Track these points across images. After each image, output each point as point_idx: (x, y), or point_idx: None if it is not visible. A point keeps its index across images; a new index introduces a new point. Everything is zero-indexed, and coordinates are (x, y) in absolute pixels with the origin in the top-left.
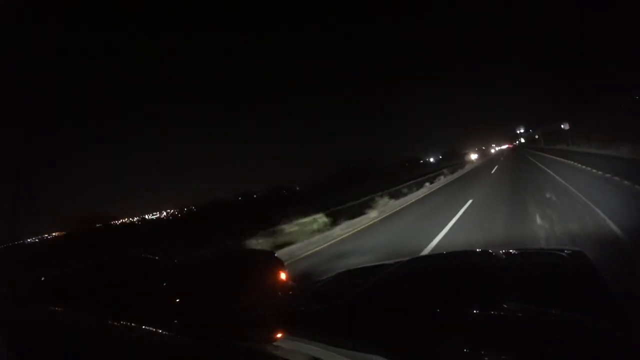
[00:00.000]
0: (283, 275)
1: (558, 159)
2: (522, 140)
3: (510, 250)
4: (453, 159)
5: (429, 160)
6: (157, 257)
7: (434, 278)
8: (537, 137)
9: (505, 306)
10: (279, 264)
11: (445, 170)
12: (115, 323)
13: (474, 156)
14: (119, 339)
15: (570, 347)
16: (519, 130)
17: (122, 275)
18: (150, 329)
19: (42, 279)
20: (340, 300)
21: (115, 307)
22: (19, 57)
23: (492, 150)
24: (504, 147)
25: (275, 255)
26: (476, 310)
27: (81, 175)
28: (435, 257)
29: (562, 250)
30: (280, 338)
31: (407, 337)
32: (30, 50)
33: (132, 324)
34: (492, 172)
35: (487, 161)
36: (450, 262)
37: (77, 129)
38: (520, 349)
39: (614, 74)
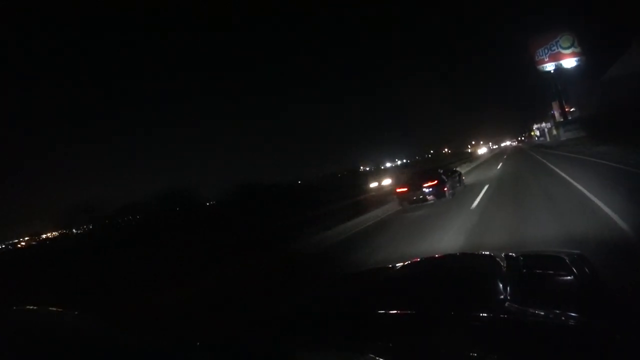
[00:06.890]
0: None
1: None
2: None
3: (511, 253)
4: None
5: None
6: None
7: (435, 280)
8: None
9: (505, 308)
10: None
11: None
12: (115, 323)
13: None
14: (118, 339)
15: (570, 349)
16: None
17: None
18: (149, 329)
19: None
20: (341, 301)
21: None
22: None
23: (480, 152)
24: (493, 148)
25: None
26: (476, 312)
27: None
28: (436, 259)
29: (563, 253)
30: (279, 339)
31: (407, 338)
32: (27, 49)
33: (131, 324)
34: None
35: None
36: (450, 264)
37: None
38: (520, 351)
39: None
